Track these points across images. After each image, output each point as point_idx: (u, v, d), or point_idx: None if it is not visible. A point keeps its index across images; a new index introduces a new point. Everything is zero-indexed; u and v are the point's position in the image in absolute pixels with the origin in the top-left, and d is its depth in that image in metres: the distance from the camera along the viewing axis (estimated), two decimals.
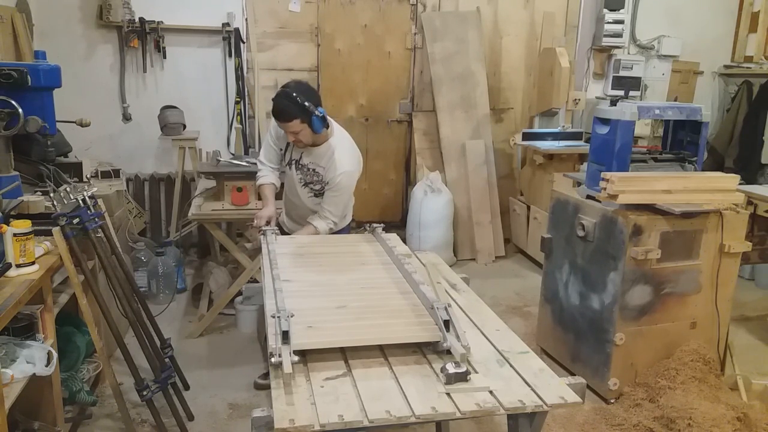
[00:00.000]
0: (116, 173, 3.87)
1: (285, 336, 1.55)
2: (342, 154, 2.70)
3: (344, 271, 2.19)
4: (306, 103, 2.54)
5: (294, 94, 2.54)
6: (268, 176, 2.91)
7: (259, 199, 3.42)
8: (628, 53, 5.68)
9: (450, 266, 2.55)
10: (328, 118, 2.71)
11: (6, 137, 2.47)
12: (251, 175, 3.41)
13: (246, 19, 4.80)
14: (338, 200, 2.74)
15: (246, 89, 4.79)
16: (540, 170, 4.91)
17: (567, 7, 5.51)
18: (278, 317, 1.60)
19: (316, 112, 2.56)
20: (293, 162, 2.81)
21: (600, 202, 2.88)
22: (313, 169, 2.75)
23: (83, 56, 4.61)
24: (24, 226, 2.03)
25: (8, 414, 1.77)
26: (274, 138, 2.86)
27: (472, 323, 1.89)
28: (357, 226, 2.94)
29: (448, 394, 1.45)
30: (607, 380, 2.86)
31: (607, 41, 5.44)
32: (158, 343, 2.70)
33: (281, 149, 2.86)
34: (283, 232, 2.86)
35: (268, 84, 4.91)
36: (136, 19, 4.53)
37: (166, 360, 2.71)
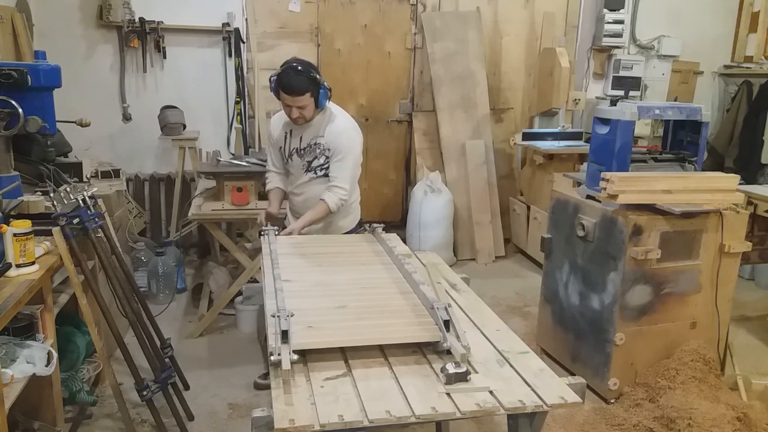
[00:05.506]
0: (116, 173, 3.86)
1: (285, 335, 1.55)
2: (341, 116, 2.77)
3: (344, 271, 2.19)
4: (316, 76, 2.62)
5: (302, 68, 2.60)
6: (273, 181, 2.94)
7: (261, 199, 3.43)
8: (628, 53, 5.68)
9: (450, 266, 2.55)
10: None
11: (6, 137, 2.46)
12: (251, 175, 3.42)
13: (246, 19, 4.80)
14: (345, 164, 2.72)
15: (246, 89, 4.79)
16: (540, 170, 4.91)
17: (567, 7, 5.51)
18: (278, 317, 1.59)
19: (324, 85, 2.63)
20: (294, 151, 2.80)
21: (600, 202, 2.88)
22: (314, 143, 2.74)
23: (83, 56, 4.61)
24: (24, 226, 2.03)
25: (8, 414, 1.77)
26: (272, 140, 2.89)
27: (472, 323, 1.89)
28: (357, 225, 2.94)
29: (448, 394, 1.45)
30: (607, 380, 2.86)
31: (607, 41, 5.44)
32: (158, 343, 2.70)
33: (281, 147, 2.86)
34: None
35: (268, 84, 4.90)
36: (136, 19, 4.53)
37: (166, 360, 2.71)
